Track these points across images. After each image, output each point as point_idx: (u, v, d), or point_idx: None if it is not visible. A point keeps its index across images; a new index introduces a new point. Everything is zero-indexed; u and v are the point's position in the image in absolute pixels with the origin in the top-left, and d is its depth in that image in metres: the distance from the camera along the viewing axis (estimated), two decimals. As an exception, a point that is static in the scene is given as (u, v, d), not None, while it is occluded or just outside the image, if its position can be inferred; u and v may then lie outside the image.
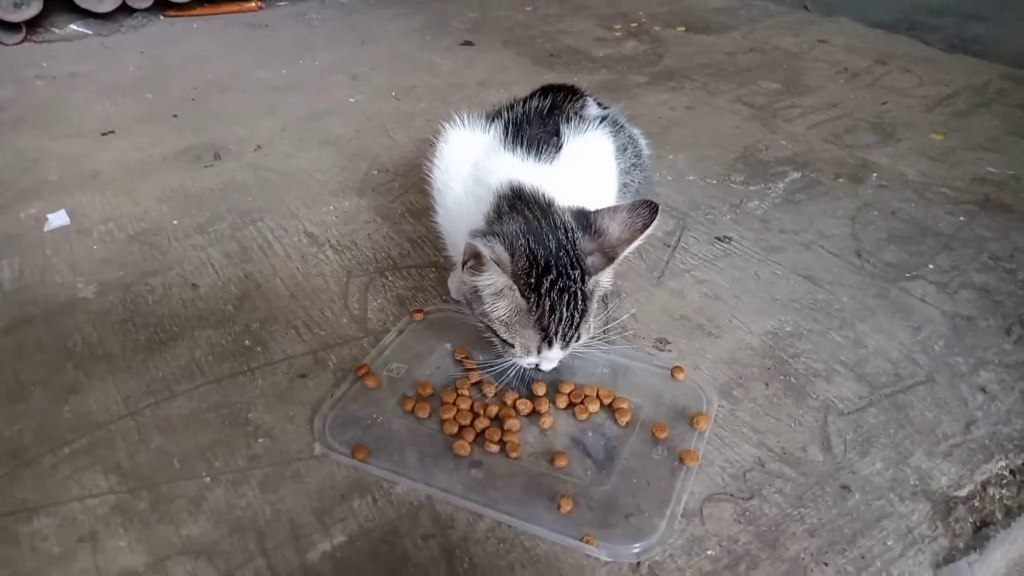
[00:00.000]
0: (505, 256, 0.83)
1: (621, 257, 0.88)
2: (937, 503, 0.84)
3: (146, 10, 2.46)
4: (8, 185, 1.54)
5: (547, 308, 0.86)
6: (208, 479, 0.89)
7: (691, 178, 1.48)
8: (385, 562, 0.79)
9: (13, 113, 1.86)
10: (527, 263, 0.85)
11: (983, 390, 0.98)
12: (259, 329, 1.12)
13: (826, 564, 0.78)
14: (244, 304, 1.18)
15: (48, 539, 0.83)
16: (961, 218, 1.33)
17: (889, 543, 0.80)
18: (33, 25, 2.31)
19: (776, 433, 0.93)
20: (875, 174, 1.47)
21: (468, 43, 2.21)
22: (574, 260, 0.86)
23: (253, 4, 2.54)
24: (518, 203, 0.91)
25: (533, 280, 0.86)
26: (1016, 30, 2.23)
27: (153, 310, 1.17)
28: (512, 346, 0.90)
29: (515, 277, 0.84)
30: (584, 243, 0.88)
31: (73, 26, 2.36)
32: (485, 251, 0.81)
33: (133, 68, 2.11)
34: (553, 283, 0.86)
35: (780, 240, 1.29)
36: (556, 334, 0.87)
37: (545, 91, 1.17)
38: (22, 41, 2.29)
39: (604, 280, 0.91)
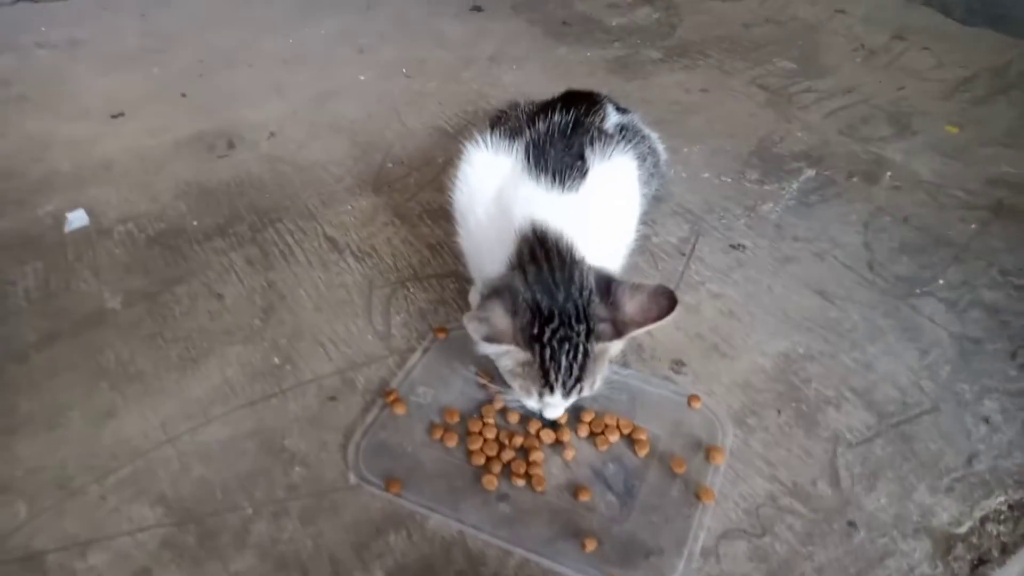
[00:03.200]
0: (502, 323, 0.86)
1: (629, 337, 0.89)
2: (938, 540, 0.90)
3: (143, -35, 2.38)
4: (21, 176, 1.54)
5: (547, 356, 0.88)
6: (250, 511, 0.94)
7: (706, 175, 1.48)
8: (422, 599, 0.85)
9: (17, 89, 1.83)
10: (530, 315, 0.87)
11: (986, 420, 1.03)
12: (287, 345, 1.16)
13: (832, 603, 0.84)
14: (270, 317, 1.20)
15: (104, 575, 0.88)
16: (973, 226, 1.34)
17: (892, 582, 0.86)
18: (27, -17, 2.25)
19: (787, 466, 0.97)
20: (889, 173, 1.47)
21: (477, 8, 2.15)
22: (581, 315, 0.88)
23: (253, -42, 2.44)
24: (539, 251, 0.92)
25: (535, 331, 0.88)
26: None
27: (181, 323, 1.20)
28: (517, 392, 0.94)
29: (514, 339, 0.86)
30: (598, 308, 0.89)
31: (69, -16, 2.29)
32: (476, 335, 0.85)
33: (135, 35, 2.06)
34: (554, 332, 0.87)
35: (794, 249, 1.31)
36: (556, 381, 0.90)
37: (567, 101, 1.16)
38: (17, 1, 2.23)
39: (613, 349, 0.93)
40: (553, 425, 1.01)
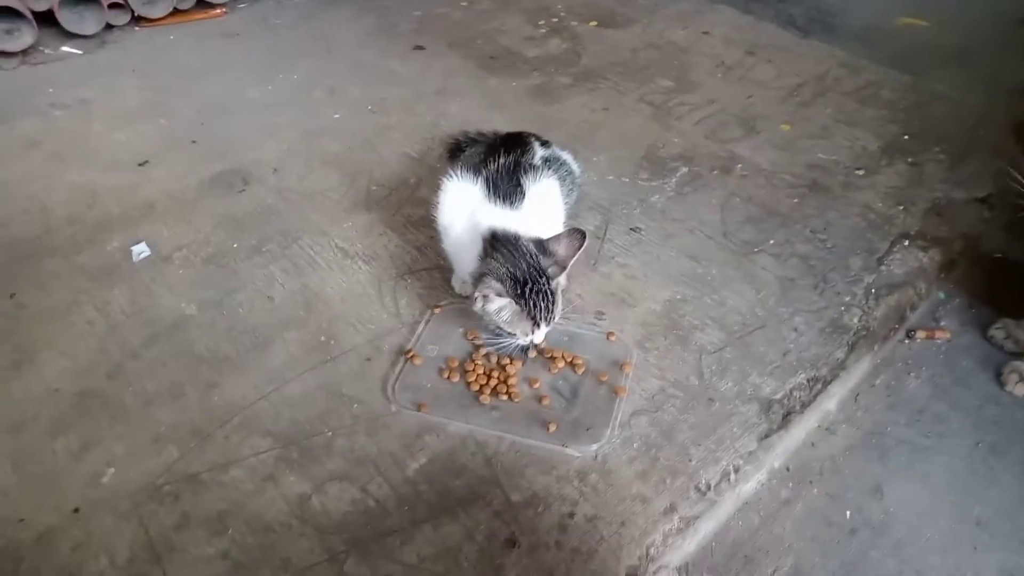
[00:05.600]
0: (499, 286, 1.37)
1: (569, 266, 1.42)
2: (763, 404, 1.46)
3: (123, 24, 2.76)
4: (82, 221, 1.95)
5: (532, 305, 1.40)
6: (330, 434, 1.43)
7: (610, 178, 2.02)
8: (452, 470, 1.36)
9: (49, 148, 2.22)
10: (512, 282, 1.39)
11: (795, 330, 1.60)
12: (328, 327, 1.64)
13: (700, 444, 1.39)
14: (311, 309, 1.68)
15: (244, 482, 1.36)
16: (795, 200, 1.92)
17: (735, 430, 1.42)
18: (25, 50, 2.60)
19: (671, 369, 1.52)
20: (740, 165, 2.04)
21: (419, 47, 2.63)
22: (539, 272, 1.40)
23: (219, 11, 2.85)
24: (496, 243, 1.44)
25: (519, 291, 1.39)
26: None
27: (246, 319, 1.67)
28: (515, 334, 1.45)
29: (510, 294, 1.38)
30: (544, 261, 1.42)
31: (63, 48, 2.66)
32: (491, 292, 1.36)
33: (134, 91, 2.45)
34: (531, 289, 1.39)
35: (674, 228, 1.86)
36: (540, 319, 1.41)
37: (506, 144, 1.67)
38: (19, 65, 2.59)
39: (562, 281, 1.45)
40: (525, 352, 1.52)
